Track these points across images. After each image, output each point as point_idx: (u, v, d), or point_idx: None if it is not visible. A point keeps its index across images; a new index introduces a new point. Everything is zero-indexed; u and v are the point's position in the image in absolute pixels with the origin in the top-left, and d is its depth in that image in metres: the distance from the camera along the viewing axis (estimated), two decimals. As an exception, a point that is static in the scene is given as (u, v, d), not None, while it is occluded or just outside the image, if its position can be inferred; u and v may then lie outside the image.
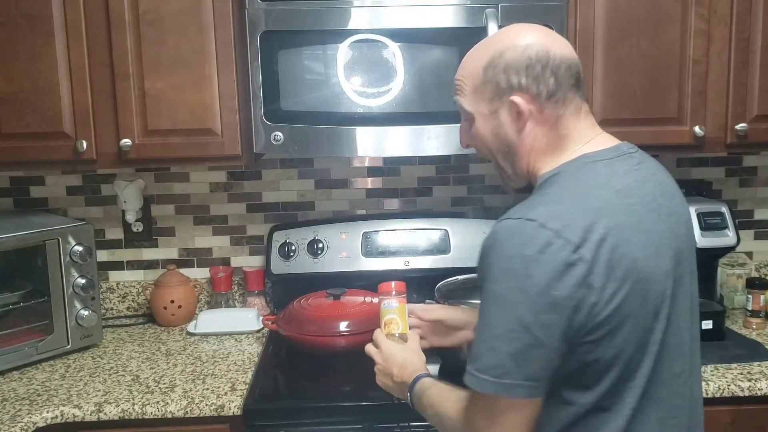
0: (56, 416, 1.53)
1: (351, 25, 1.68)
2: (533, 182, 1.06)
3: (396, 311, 1.32)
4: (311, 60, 1.72)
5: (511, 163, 1.07)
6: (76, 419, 1.54)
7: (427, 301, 1.74)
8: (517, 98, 1.00)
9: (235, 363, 1.78)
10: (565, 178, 0.99)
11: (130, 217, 2.13)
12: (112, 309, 2.20)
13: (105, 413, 1.53)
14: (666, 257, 0.96)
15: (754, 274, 2.21)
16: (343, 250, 2.05)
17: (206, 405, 1.55)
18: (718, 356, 1.70)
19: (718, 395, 1.57)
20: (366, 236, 2.06)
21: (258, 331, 2.00)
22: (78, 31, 1.72)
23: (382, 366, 1.28)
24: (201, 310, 2.14)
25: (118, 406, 1.54)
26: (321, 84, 1.72)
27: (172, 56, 1.73)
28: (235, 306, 2.19)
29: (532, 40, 1.01)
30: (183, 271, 2.15)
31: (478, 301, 0.95)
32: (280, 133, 1.71)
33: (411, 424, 1.52)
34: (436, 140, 1.73)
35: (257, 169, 2.17)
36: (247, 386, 1.63)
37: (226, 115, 1.76)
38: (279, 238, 2.07)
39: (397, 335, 1.30)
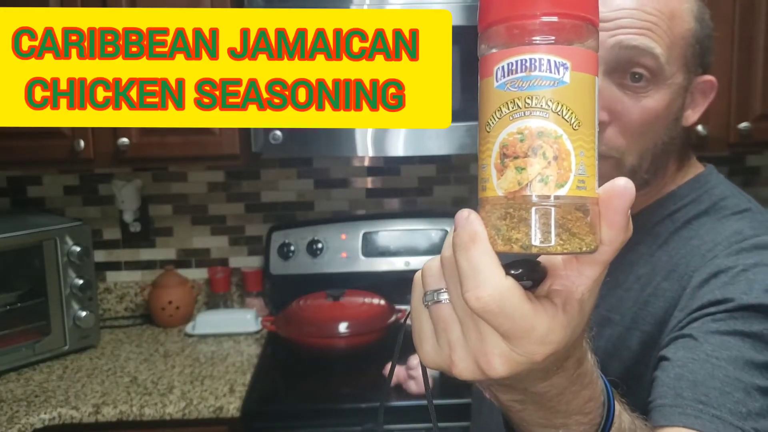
0: (54, 418, 1.52)
1: (350, 24, 1.67)
2: (650, 188, 0.85)
3: (559, 105, 0.40)
4: (310, 59, 1.71)
5: (659, 164, 0.83)
6: (74, 421, 1.53)
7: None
8: (711, 77, 0.81)
9: (233, 364, 1.77)
10: (722, 181, 0.87)
11: (128, 217, 2.12)
12: (109, 310, 2.19)
13: (103, 415, 1.52)
14: None
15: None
16: (342, 250, 2.04)
17: (204, 407, 1.54)
18: None
19: None
20: (366, 236, 2.05)
21: (257, 333, 1.99)
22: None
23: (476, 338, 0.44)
24: (199, 311, 2.13)
25: (116, 407, 1.53)
26: (320, 83, 1.71)
27: (170, 55, 1.71)
28: (233, 307, 2.18)
29: None
30: (181, 271, 2.14)
31: None
32: (278, 132, 1.70)
33: (410, 426, 1.51)
34: (436, 139, 1.72)
35: (256, 169, 2.16)
36: (245, 388, 1.62)
37: (225, 115, 1.75)
38: (278, 238, 2.06)
39: (552, 233, 0.39)
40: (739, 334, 0.69)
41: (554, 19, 0.39)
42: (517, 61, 0.39)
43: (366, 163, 2.18)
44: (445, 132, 1.71)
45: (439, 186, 2.19)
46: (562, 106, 0.39)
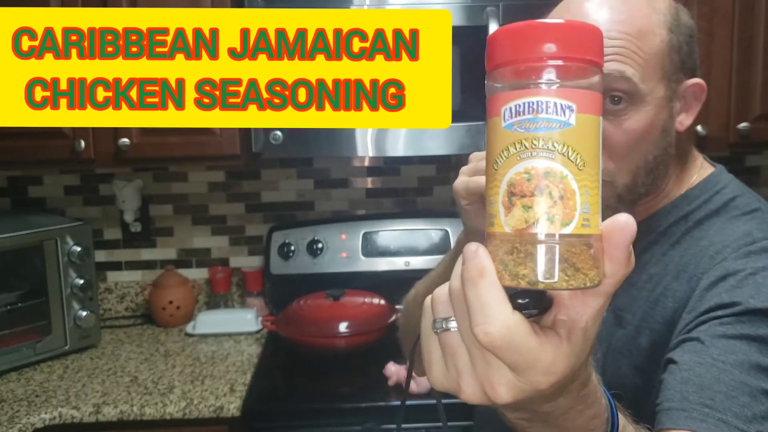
0: (54, 417, 1.52)
1: (350, 24, 1.67)
2: (649, 199, 0.85)
3: (565, 146, 0.41)
4: (310, 59, 1.71)
5: (655, 175, 0.83)
6: (75, 420, 1.53)
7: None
8: (699, 80, 0.81)
9: (234, 364, 1.77)
10: (733, 180, 0.88)
11: (129, 217, 2.12)
12: (110, 309, 2.19)
13: (103, 414, 1.52)
14: None
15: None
16: (342, 250, 2.04)
17: (205, 406, 1.54)
18: None
19: None
20: (366, 236, 2.05)
21: (257, 332, 1.99)
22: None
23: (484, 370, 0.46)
24: (200, 311, 2.13)
25: (116, 407, 1.53)
26: (320, 83, 1.71)
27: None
28: (233, 307, 2.18)
29: None
30: (181, 271, 2.14)
31: None
32: (278, 132, 1.70)
33: (410, 426, 1.51)
34: (436, 139, 1.72)
35: (256, 169, 2.16)
36: (246, 387, 1.62)
37: (225, 115, 1.75)
38: (278, 238, 2.06)
39: (557, 269, 0.41)
40: (745, 338, 0.69)
41: (560, 62, 0.40)
42: (524, 103, 0.40)
43: (366, 163, 2.18)
44: (445, 132, 1.71)
45: (439, 186, 2.19)
46: (568, 147, 0.40)
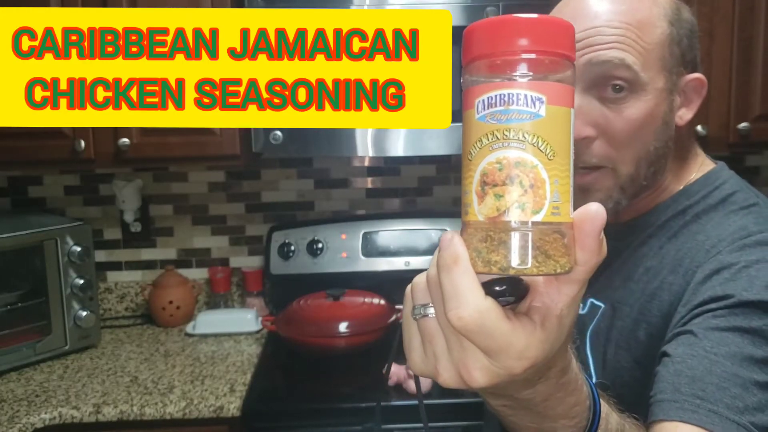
0: (54, 417, 1.52)
1: (350, 24, 1.67)
2: (647, 195, 0.86)
3: (535, 137, 0.42)
4: (310, 59, 1.71)
5: (656, 168, 0.84)
6: (75, 420, 1.53)
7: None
8: (700, 75, 0.82)
9: (234, 364, 1.77)
10: (733, 176, 0.89)
11: (129, 217, 2.12)
12: (110, 309, 2.19)
13: (103, 414, 1.52)
14: None
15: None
16: (342, 250, 2.04)
17: (205, 406, 1.54)
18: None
19: None
20: (366, 236, 2.05)
21: (257, 332, 1.99)
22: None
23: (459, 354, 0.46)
24: (200, 311, 2.13)
25: (116, 407, 1.53)
26: (320, 83, 1.71)
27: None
28: (233, 307, 2.18)
29: None
30: (181, 271, 2.14)
31: None
32: (278, 132, 1.70)
33: (410, 425, 1.51)
34: (436, 139, 1.72)
35: (256, 169, 2.16)
36: (246, 387, 1.62)
37: (225, 115, 1.75)
38: (278, 238, 2.06)
39: (528, 256, 0.42)
40: (738, 330, 0.70)
41: (532, 56, 0.41)
42: (496, 96, 0.42)
43: (366, 163, 2.18)
44: (445, 132, 1.71)
45: (439, 186, 2.19)
46: (538, 138, 0.41)
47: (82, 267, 1.84)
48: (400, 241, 2.06)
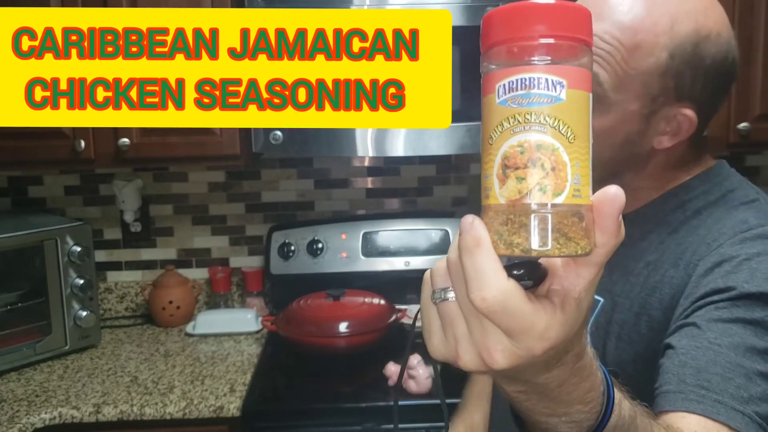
0: (54, 417, 1.52)
1: (350, 24, 1.68)
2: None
3: (556, 120, 0.42)
4: (310, 59, 1.71)
5: (612, 175, 0.84)
6: (75, 420, 1.53)
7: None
8: (689, 112, 0.82)
9: (234, 364, 1.77)
10: (733, 173, 0.91)
11: (129, 217, 2.12)
12: (110, 309, 2.19)
13: (103, 414, 1.52)
14: None
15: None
16: (342, 250, 2.04)
17: (205, 406, 1.54)
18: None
19: None
20: (366, 236, 2.05)
21: (257, 332, 1.99)
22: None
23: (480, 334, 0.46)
24: (200, 311, 2.13)
25: (116, 407, 1.53)
26: (320, 83, 1.71)
27: (171, 55, 1.72)
28: (233, 307, 2.18)
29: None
30: (181, 271, 2.14)
31: None
32: (279, 133, 1.70)
33: (410, 426, 1.51)
34: (436, 139, 1.72)
35: (256, 169, 2.16)
36: (246, 387, 1.62)
37: (225, 115, 1.75)
38: (278, 238, 2.06)
39: (549, 237, 0.42)
40: (741, 321, 0.71)
41: (551, 40, 0.42)
42: (517, 80, 0.42)
43: (366, 163, 2.18)
44: (445, 132, 1.71)
45: (439, 186, 2.19)
46: (559, 121, 0.42)
47: (82, 267, 1.84)
48: (400, 241, 2.06)
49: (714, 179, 0.88)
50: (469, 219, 0.44)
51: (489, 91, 0.44)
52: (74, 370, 1.75)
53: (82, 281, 1.83)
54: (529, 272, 0.44)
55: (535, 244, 0.41)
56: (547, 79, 0.42)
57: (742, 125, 1.76)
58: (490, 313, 0.42)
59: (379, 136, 1.73)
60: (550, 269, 0.45)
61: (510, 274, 0.43)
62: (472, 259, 0.43)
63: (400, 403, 1.54)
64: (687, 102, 0.82)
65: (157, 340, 1.97)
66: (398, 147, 1.74)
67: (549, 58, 0.42)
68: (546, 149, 0.41)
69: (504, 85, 0.43)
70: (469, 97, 1.68)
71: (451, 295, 0.46)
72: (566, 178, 0.42)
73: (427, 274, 0.49)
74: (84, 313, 1.84)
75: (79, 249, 1.81)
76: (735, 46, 0.83)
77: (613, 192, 0.43)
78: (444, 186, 2.19)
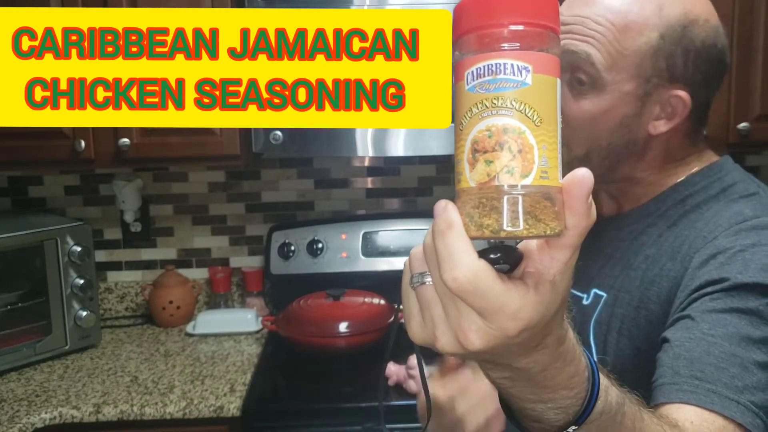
0: (54, 417, 1.52)
1: (351, 24, 1.68)
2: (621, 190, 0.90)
3: (522, 104, 0.43)
4: (311, 59, 1.71)
5: (610, 162, 0.87)
6: (75, 420, 1.53)
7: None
8: (683, 93, 0.83)
9: (234, 364, 1.77)
10: (735, 168, 0.91)
11: (129, 217, 2.12)
12: (110, 309, 2.19)
13: (103, 414, 1.52)
14: None
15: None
16: (342, 250, 2.04)
17: (205, 406, 1.54)
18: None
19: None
20: (366, 236, 2.05)
21: (257, 332, 1.99)
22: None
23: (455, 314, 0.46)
24: (200, 311, 2.13)
25: (116, 407, 1.53)
26: (320, 83, 1.71)
27: (171, 55, 1.72)
28: (234, 307, 2.18)
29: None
30: (182, 271, 2.14)
31: None
32: (279, 133, 1.70)
33: (410, 425, 1.51)
34: (437, 139, 1.72)
35: (256, 169, 2.16)
36: (246, 387, 1.62)
37: (225, 115, 1.75)
38: (278, 238, 2.06)
39: (520, 218, 0.43)
40: (735, 311, 0.71)
41: (518, 27, 0.43)
42: (484, 66, 0.43)
43: (366, 163, 2.18)
44: (445, 132, 1.71)
45: (439, 186, 2.19)
46: (525, 105, 0.43)
47: (82, 267, 1.84)
48: (400, 241, 2.06)
49: (716, 174, 0.89)
50: (442, 204, 0.45)
51: (459, 79, 0.45)
52: (74, 370, 1.75)
53: (82, 281, 1.83)
54: (505, 256, 0.45)
55: (505, 224, 0.42)
56: (512, 65, 0.43)
57: (742, 125, 1.76)
58: (462, 293, 0.43)
59: (379, 136, 1.73)
60: (525, 253, 0.46)
61: (486, 258, 0.44)
62: (444, 242, 0.44)
63: (400, 403, 1.54)
64: (680, 84, 0.83)
65: (157, 340, 1.97)
66: (398, 147, 1.74)
67: (516, 44, 0.43)
68: (513, 132, 0.42)
69: (472, 72, 0.44)
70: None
71: (428, 279, 0.47)
72: (533, 160, 0.42)
73: (406, 260, 0.51)
74: (84, 313, 1.84)
75: (79, 249, 1.81)
76: (723, 34, 0.85)
77: (582, 174, 0.44)
78: (444, 186, 2.19)
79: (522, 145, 0.42)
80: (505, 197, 0.42)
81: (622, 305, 0.86)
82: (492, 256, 0.44)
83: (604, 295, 0.88)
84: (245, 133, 1.76)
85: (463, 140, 0.44)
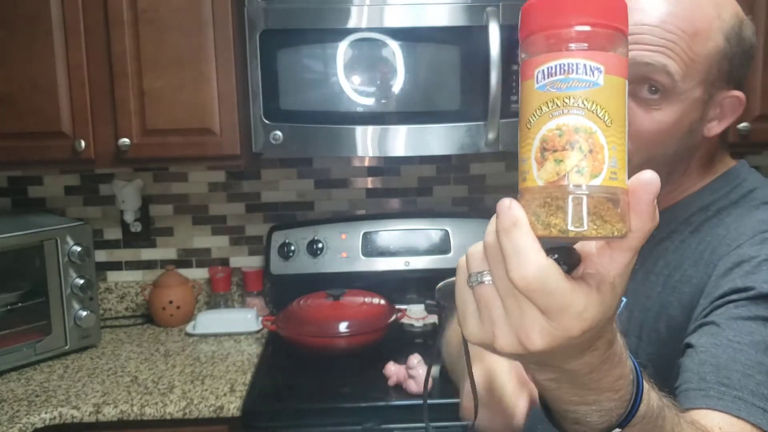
0: (54, 417, 1.52)
1: (351, 24, 1.68)
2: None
3: (594, 104, 0.43)
4: (311, 59, 1.71)
5: (671, 169, 0.85)
6: (75, 420, 1.53)
7: (428, 302, 1.73)
8: (739, 93, 0.83)
9: (234, 364, 1.77)
10: (753, 173, 0.93)
11: (129, 217, 2.12)
12: (110, 309, 2.19)
13: (103, 414, 1.53)
14: None
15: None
16: (342, 250, 2.04)
17: (205, 406, 1.54)
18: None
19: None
20: (366, 236, 2.05)
21: (257, 332, 1.99)
22: (76, 29, 1.72)
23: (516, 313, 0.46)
24: (200, 311, 2.13)
25: (116, 407, 1.53)
26: (320, 83, 1.71)
27: (171, 55, 1.72)
28: (234, 306, 2.18)
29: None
30: (182, 271, 2.14)
31: None
32: (279, 133, 1.71)
33: (410, 425, 1.51)
34: (436, 139, 1.72)
35: (256, 169, 2.16)
36: (246, 387, 1.62)
37: (225, 115, 1.75)
38: (278, 238, 2.06)
39: (586, 218, 0.43)
40: (760, 320, 0.71)
41: (589, 28, 0.43)
42: (556, 65, 0.43)
43: (366, 163, 2.18)
44: (445, 132, 1.71)
45: (439, 186, 2.19)
46: (597, 105, 0.43)
47: (82, 267, 1.84)
48: (400, 241, 2.06)
49: (735, 180, 0.89)
50: (507, 202, 0.44)
51: (528, 77, 0.45)
52: (74, 370, 1.75)
53: (82, 281, 1.83)
54: (564, 257, 0.45)
55: (572, 224, 0.42)
56: (585, 65, 0.43)
57: (742, 125, 1.76)
58: (530, 291, 0.42)
59: (379, 136, 1.73)
60: (584, 255, 0.45)
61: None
62: (510, 239, 0.43)
63: (400, 403, 1.54)
64: (734, 84, 0.84)
65: (157, 340, 1.97)
66: (398, 147, 1.74)
67: (586, 44, 0.43)
68: (584, 132, 0.42)
69: (543, 70, 0.44)
70: (469, 97, 1.68)
71: (487, 278, 0.46)
72: (603, 160, 0.42)
73: (461, 259, 0.49)
74: (84, 313, 1.84)
75: (79, 249, 1.81)
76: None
77: (648, 176, 0.43)
78: (444, 186, 2.19)
79: (593, 145, 0.42)
80: (576, 197, 0.42)
81: (642, 310, 0.86)
82: (551, 256, 0.44)
83: (624, 299, 0.88)
84: (245, 133, 1.76)
85: (530, 139, 0.44)
